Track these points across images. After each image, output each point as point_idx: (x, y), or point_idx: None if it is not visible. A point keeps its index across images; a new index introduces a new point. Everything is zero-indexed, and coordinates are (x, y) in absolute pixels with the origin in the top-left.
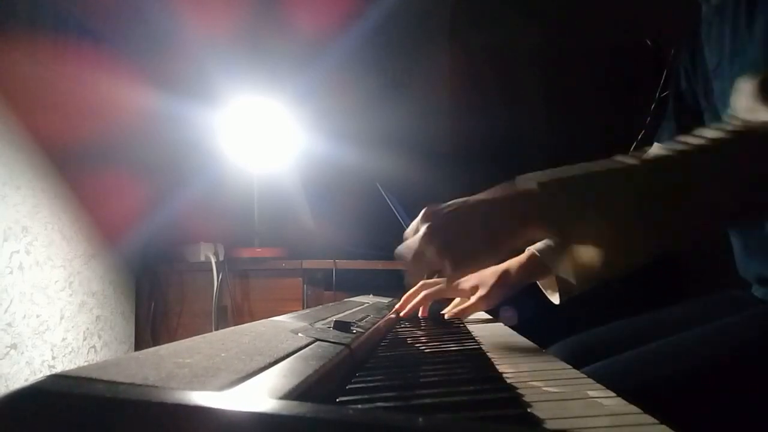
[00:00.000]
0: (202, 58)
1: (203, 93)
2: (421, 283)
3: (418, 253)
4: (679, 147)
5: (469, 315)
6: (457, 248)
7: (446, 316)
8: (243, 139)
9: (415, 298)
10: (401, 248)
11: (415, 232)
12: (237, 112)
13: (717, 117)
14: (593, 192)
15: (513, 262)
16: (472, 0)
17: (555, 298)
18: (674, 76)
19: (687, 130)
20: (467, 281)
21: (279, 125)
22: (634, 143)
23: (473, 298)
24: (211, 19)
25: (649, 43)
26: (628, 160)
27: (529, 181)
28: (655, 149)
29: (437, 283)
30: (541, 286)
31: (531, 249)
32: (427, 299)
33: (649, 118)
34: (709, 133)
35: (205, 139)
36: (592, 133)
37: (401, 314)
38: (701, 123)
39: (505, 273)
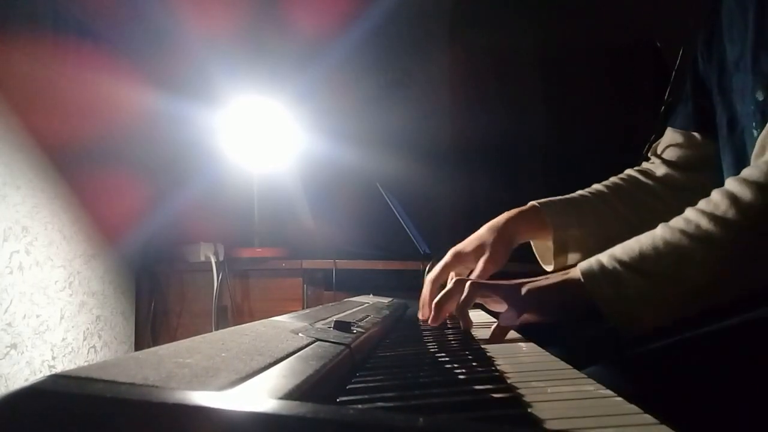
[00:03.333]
0: (202, 58)
1: (203, 93)
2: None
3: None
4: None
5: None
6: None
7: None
8: (243, 139)
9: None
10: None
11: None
12: (237, 112)
13: (732, 113)
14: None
15: (512, 213)
16: (472, 0)
17: (548, 266)
18: (692, 60)
19: (704, 112)
20: (468, 258)
21: (279, 125)
22: (653, 137)
23: (479, 264)
24: (211, 19)
25: (657, 44)
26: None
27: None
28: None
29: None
30: (535, 251)
31: (533, 202)
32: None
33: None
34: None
35: (205, 139)
36: (591, 133)
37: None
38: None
39: (506, 225)
